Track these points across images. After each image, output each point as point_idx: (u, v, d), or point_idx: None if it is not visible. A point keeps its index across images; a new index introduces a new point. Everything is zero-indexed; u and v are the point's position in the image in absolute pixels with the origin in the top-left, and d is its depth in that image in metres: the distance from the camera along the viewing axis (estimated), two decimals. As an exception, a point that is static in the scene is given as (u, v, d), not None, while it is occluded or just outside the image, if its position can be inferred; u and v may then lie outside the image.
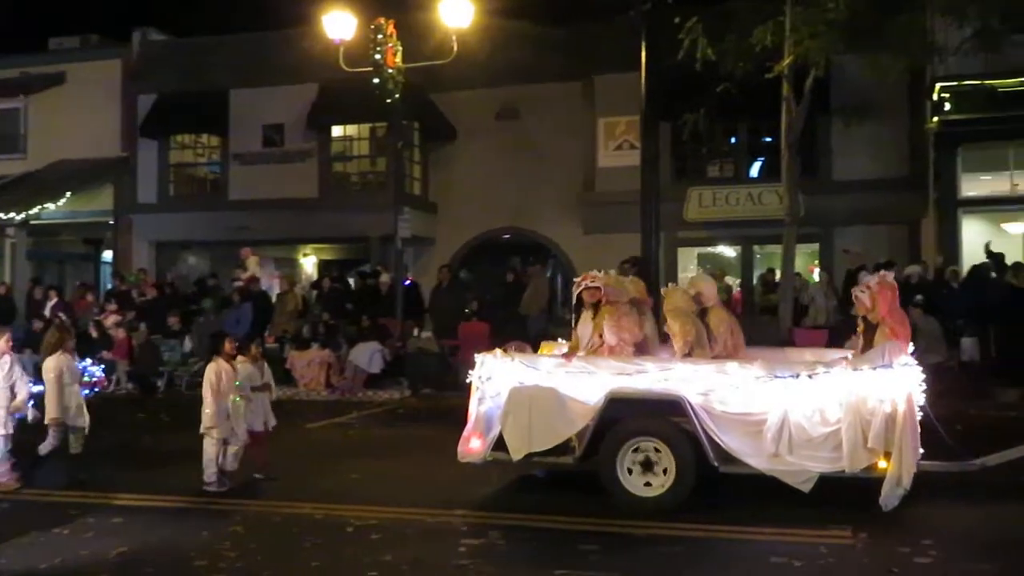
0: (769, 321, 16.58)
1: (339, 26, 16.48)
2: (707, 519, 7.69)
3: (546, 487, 9.06)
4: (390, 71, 16.41)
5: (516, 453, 8.10)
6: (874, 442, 7.47)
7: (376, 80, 16.51)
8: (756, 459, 7.71)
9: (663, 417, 8.05)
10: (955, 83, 16.50)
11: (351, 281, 20.10)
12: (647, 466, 8.01)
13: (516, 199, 21.58)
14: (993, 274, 15.34)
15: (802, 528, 7.38)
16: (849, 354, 8.74)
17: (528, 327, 17.19)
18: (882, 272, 9.58)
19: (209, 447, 9.04)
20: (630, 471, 8.02)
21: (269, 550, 7.23)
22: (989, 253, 15.56)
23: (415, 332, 17.62)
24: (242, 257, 19.80)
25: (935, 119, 17.20)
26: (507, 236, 22.49)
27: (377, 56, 16.27)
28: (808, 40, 14.09)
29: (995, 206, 18.21)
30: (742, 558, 6.89)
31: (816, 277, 18.64)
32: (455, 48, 16.24)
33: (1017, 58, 15.65)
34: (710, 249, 22.12)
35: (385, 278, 18.33)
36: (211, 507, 8.51)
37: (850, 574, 6.52)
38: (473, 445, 8.32)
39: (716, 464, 7.81)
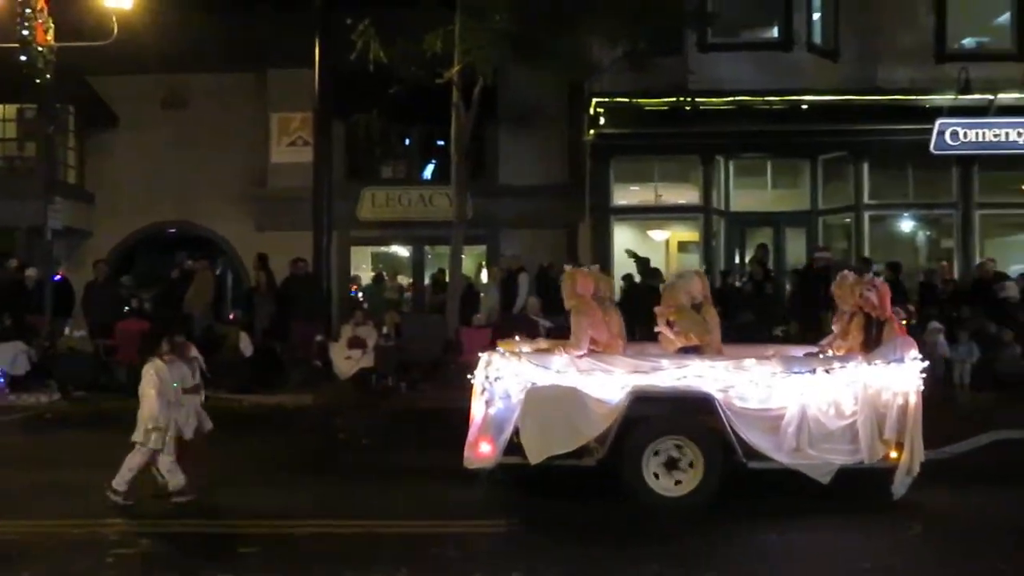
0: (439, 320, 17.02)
1: (-20, -4, 15.00)
2: (370, 516, 7.78)
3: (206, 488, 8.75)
4: (40, 49, 15.15)
5: (535, 457, 7.74)
6: (889, 433, 7.80)
7: (23, 58, 15.19)
8: (779, 454, 7.80)
9: (691, 415, 7.97)
10: (608, 99, 17.70)
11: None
12: (672, 465, 7.89)
13: (183, 192, 20.71)
14: (637, 277, 16.68)
15: (460, 520, 7.66)
16: (821, 349, 9.06)
17: (192, 325, 16.51)
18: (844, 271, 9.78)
19: (138, 457, 8.10)
20: (656, 471, 7.89)
21: None
22: (632, 255, 16.83)
23: (66, 331, 16.38)
24: None
25: (591, 132, 18.39)
26: (173, 230, 21.50)
27: (25, 32, 14.98)
28: (476, 50, 14.60)
29: (642, 214, 19.78)
30: (406, 550, 7.01)
31: (484, 278, 19.36)
32: (115, 29, 15.29)
33: (662, 80, 17.07)
34: (383, 249, 22.40)
35: (31, 272, 16.89)
36: None
37: (498, 556, 6.81)
38: (483, 450, 7.90)
39: (744, 460, 7.83)
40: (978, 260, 17.83)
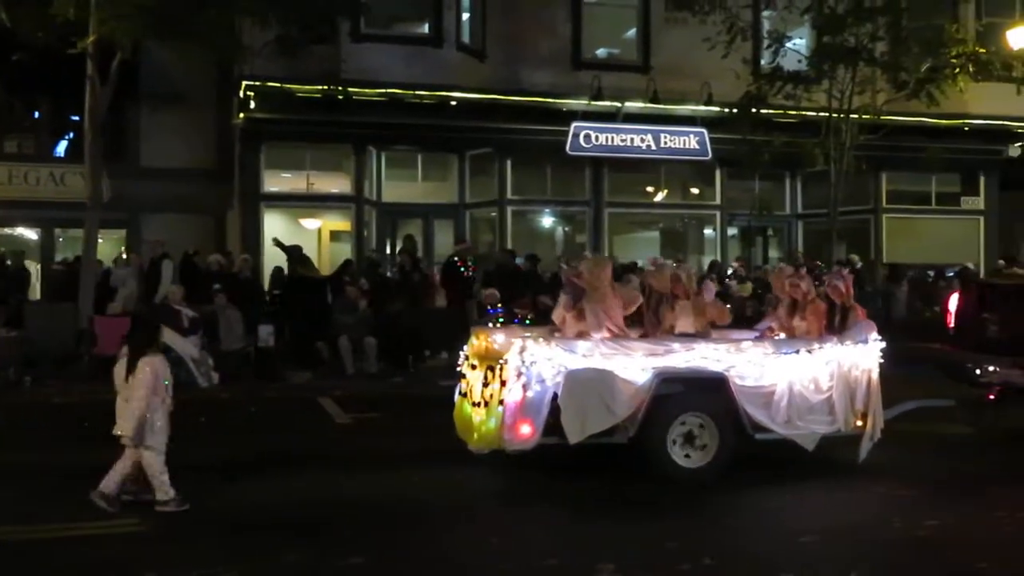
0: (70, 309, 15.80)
1: None
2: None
3: None
4: None
5: (574, 436, 8.15)
6: (859, 405, 8.86)
7: None
8: (774, 425, 8.64)
9: (707, 393, 8.61)
10: (260, 83, 17.25)
11: None
12: (690, 439, 8.51)
13: None
14: (285, 268, 16.45)
15: (91, 521, 7.19)
16: (763, 334, 9.61)
17: None
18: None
19: (152, 458, 7.45)
20: (676, 445, 8.46)
21: None
22: (277, 244, 16.55)
23: None
24: None
25: (241, 115, 17.87)
26: None
27: None
28: (114, 21, 13.67)
29: (294, 202, 19.54)
30: (31, 557, 6.46)
31: (127, 258, 18.20)
32: None
33: (314, 67, 16.88)
34: (7, 230, 20.52)
35: None
36: None
37: (131, 558, 6.47)
38: (524, 431, 8.13)
39: (752, 433, 8.60)
40: (606, 254, 19.35)
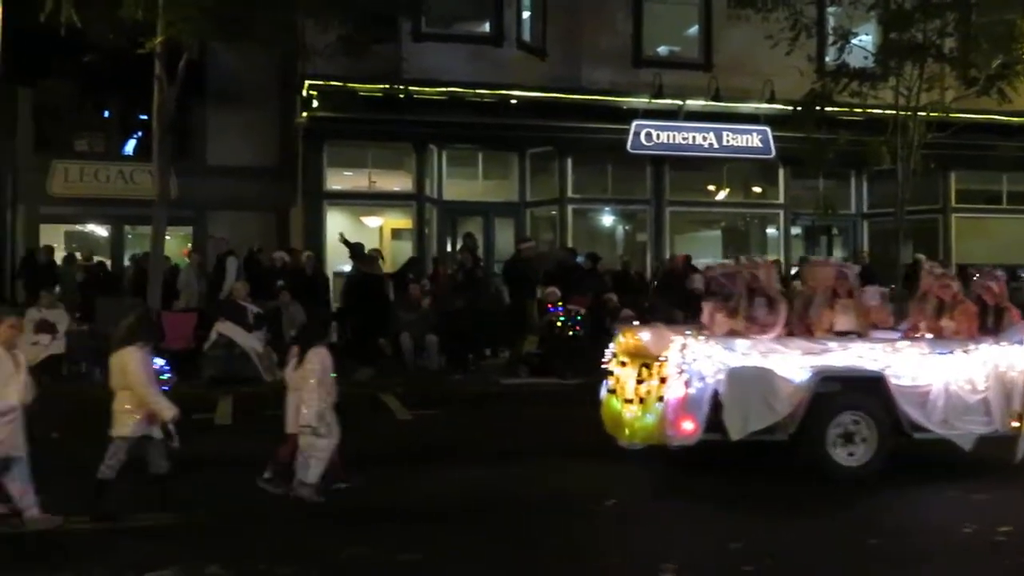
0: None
1: None
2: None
3: None
4: None
5: (736, 432, 8.26)
6: (1016, 405, 8.83)
7: None
8: (932, 426, 8.66)
9: (865, 392, 8.64)
10: (323, 82, 17.45)
11: None
12: (848, 438, 8.52)
13: None
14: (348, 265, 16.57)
15: (150, 512, 7.24)
16: (906, 334, 9.41)
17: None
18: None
19: (319, 445, 7.73)
20: (835, 444, 8.48)
21: None
22: (344, 242, 16.68)
23: None
24: None
25: (304, 114, 18.06)
26: None
27: None
28: (180, 22, 13.89)
29: (356, 200, 19.72)
30: (83, 549, 6.61)
31: (188, 260, 18.59)
32: None
33: (375, 66, 16.98)
34: (79, 227, 20.99)
35: None
36: None
37: (205, 551, 6.56)
38: (686, 427, 8.27)
39: (911, 432, 8.64)
40: (668, 254, 19.22)
